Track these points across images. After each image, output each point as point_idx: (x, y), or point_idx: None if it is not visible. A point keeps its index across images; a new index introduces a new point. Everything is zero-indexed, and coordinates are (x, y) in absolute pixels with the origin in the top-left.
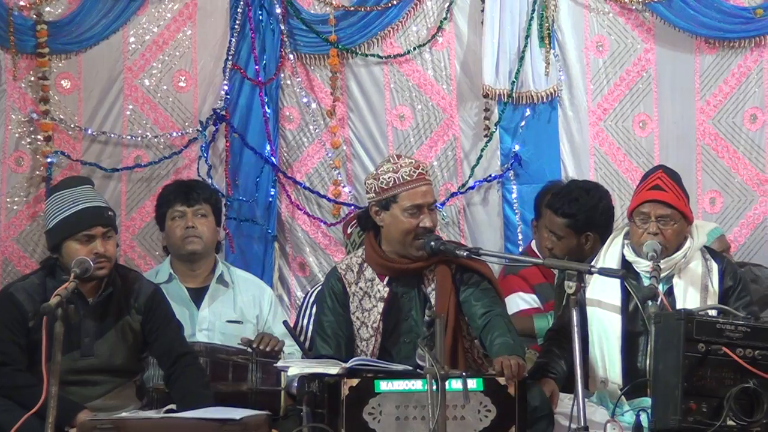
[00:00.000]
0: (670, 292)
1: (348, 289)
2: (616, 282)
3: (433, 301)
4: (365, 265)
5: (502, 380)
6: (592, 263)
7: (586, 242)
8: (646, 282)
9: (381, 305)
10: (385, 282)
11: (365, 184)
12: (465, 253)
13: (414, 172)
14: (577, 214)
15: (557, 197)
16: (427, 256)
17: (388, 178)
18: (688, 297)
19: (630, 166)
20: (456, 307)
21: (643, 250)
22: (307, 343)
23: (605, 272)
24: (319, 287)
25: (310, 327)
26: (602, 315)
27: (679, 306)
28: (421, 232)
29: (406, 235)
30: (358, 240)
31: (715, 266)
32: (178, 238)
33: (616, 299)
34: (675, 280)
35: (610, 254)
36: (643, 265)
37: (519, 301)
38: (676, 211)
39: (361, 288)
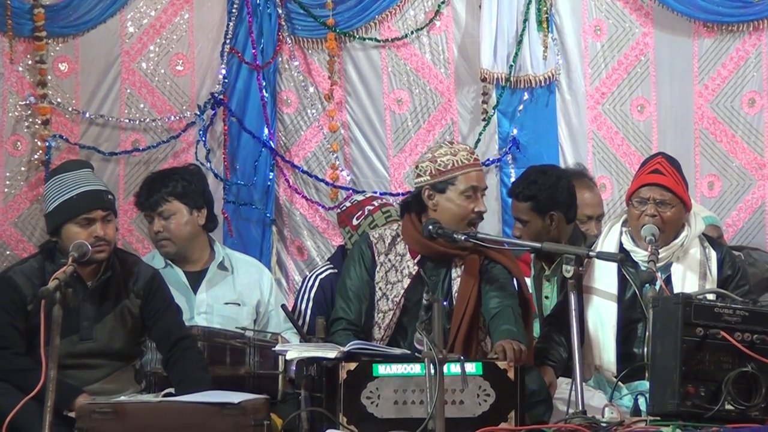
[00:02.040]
0: (668, 281)
1: (377, 258)
2: (613, 270)
3: (456, 287)
4: (399, 239)
5: (502, 364)
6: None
7: (551, 223)
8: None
9: (407, 281)
10: (416, 260)
11: (417, 168)
12: (463, 237)
13: (470, 157)
14: (537, 195)
15: (516, 184)
16: (456, 245)
17: (447, 161)
18: (686, 284)
19: (628, 150)
20: (477, 297)
21: (641, 233)
22: (305, 327)
23: (603, 256)
24: (319, 271)
25: (309, 311)
26: (598, 303)
27: (677, 285)
28: (475, 218)
29: (460, 219)
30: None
31: (714, 254)
32: (152, 241)
33: (613, 287)
34: (673, 268)
35: (608, 242)
36: (641, 255)
37: None
38: (675, 195)
39: (389, 260)
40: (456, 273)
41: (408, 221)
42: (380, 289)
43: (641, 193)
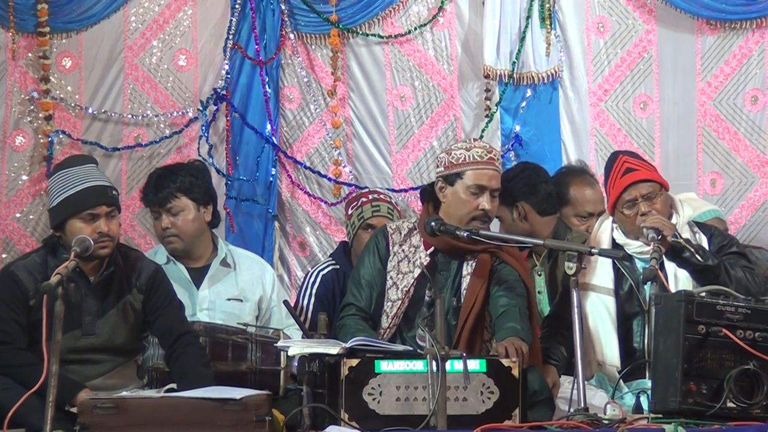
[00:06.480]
0: (661, 267)
1: (391, 248)
2: (608, 264)
3: (465, 284)
4: (415, 231)
5: (506, 362)
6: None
7: (518, 215)
8: (639, 263)
9: (418, 272)
10: (428, 252)
11: (437, 158)
12: (465, 234)
13: (485, 155)
14: None
15: None
16: (470, 241)
17: (459, 154)
18: (679, 272)
19: (631, 147)
20: (485, 297)
21: (644, 233)
22: (308, 323)
23: (605, 253)
24: (321, 267)
25: (311, 307)
26: (596, 298)
27: (670, 281)
28: (479, 215)
29: (464, 215)
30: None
31: (704, 238)
32: (159, 237)
33: (609, 282)
34: (665, 256)
35: (600, 238)
36: (633, 247)
37: None
38: (656, 183)
39: (403, 250)
40: (467, 270)
41: (424, 211)
42: (391, 278)
43: (626, 196)
